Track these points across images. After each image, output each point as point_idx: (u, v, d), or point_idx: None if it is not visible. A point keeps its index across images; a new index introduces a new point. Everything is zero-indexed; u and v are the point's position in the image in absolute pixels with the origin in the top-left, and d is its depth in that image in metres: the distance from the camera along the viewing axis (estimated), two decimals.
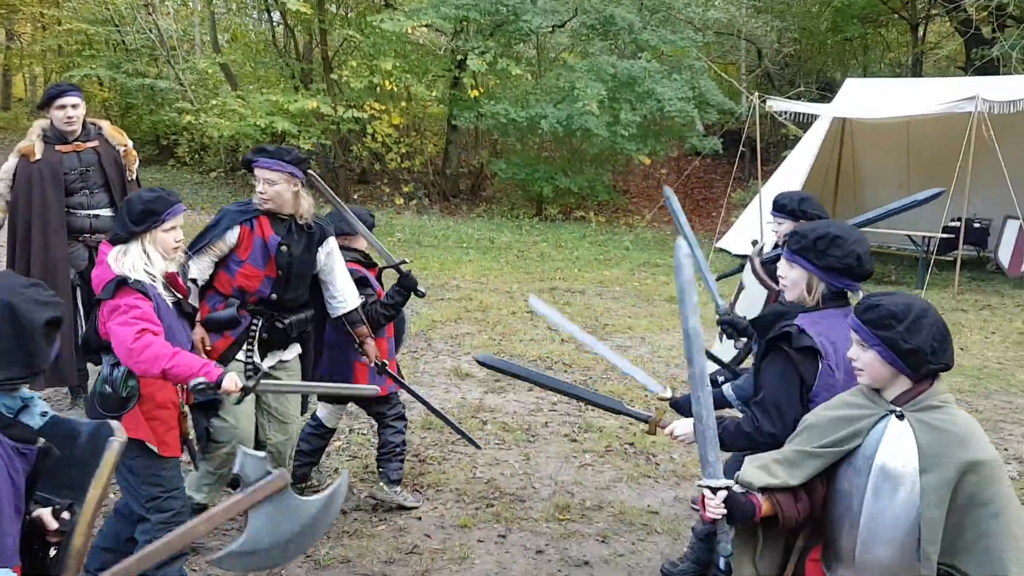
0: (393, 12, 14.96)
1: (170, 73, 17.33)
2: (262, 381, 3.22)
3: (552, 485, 4.71)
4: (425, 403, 4.40)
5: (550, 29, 16.96)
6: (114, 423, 2.19)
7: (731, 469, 2.58)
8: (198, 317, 3.50)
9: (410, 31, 14.96)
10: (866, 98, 12.71)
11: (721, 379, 3.49)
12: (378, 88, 15.25)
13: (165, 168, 18.34)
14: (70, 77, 18.05)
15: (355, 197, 17.15)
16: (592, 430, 5.48)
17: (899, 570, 2.20)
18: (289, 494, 2.15)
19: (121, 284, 2.95)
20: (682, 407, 3.00)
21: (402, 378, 4.51)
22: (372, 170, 18.20)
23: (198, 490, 3.79)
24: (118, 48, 19.34)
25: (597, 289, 10.27)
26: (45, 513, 2.01)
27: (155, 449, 3.07)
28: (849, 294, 2.64)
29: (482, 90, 15.94)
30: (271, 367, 3.76)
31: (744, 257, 4.81)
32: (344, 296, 3.91)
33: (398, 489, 4.32)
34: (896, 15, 18.84)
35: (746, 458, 2.39)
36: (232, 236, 3.61)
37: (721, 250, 12.69)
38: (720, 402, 3.14)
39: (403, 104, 16.97)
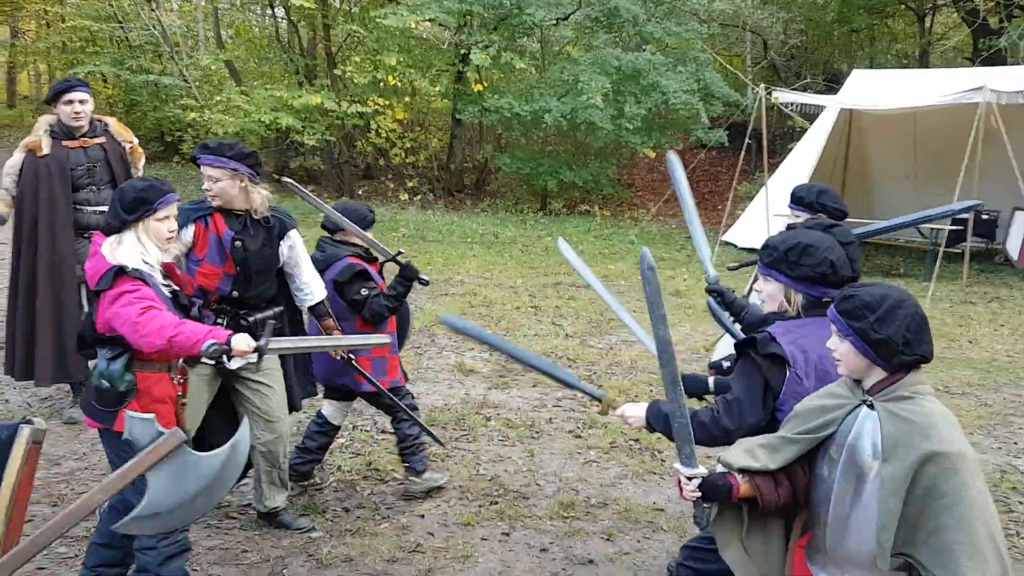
0: (396, 7, 14.90)
1: (174, 69, 17.32)
2: (271, 340, 3.09)
3: (556, 482, 4.67)
4: (392, 399, 4.30)
5: (554, 22, 16.88)
6: (36, 420, 2.16)
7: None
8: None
9: (413, 25, 14.90)
10: (873, 89, 12.62)
11: (727, 364, 3.48)
12: (382, 83, 15.20)
13: (170, 165, 18.33)
14: (74, 74, 18.05)
15: (360, 193, 17.12)
16: (597, 426, 5.43)
17: (865, 559, 2.20)
18: (186, 452, 2.10)
19: (120, 273, 2.92)
20: (687, 388, 3.05)
21: (406, 374, 4.49)
22: (376, 165, 18.17)
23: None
24: (122, 45, 19.33)
25: (602, 283, 10.20)
26: None
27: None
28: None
29: (486, 84, 15.89)
30: (239, 368, 3.59)
31: (755, 250, 4.75)
32: (310, 289, 3.89)
33: (426, 475, 4.38)
34: (903, 5, 18.70)
35: (737, 441, 2.43)
36: (187, 235, 3.56)
37: (727, 243, 12.62)
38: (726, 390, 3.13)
39: (407, 99, 16.92)
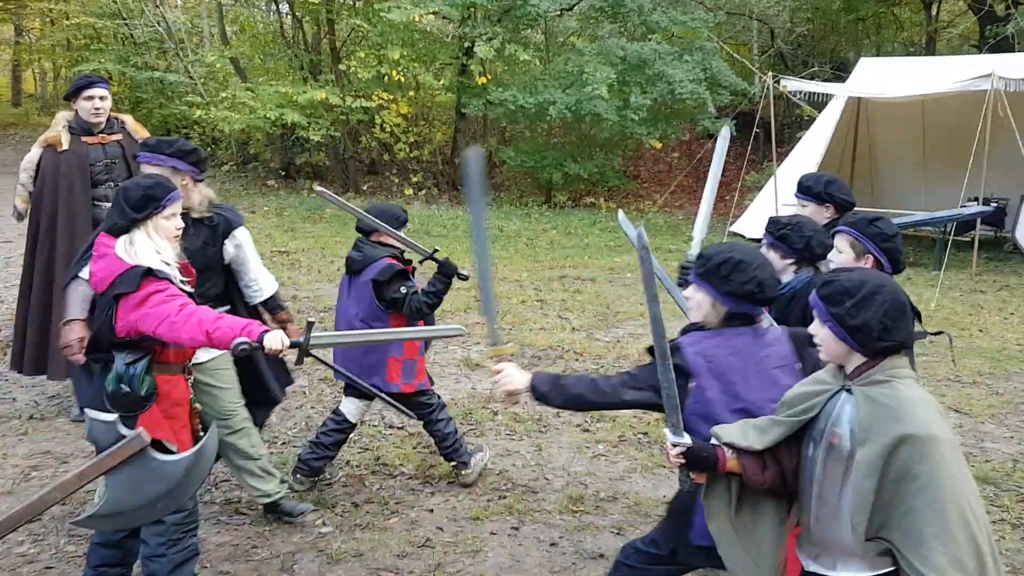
0: (400, 0, 14.86)
1: (179, 66, 17.32)
2: (314, 335, 3.01)
3: (565, 476, 4.66)
4: (365, 387, 4.28)
5: (558, 13, 16.80)
6: None
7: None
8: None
9: (417, 19, 14.85)
10: (881, 77, 12.54)
11: None
12: (386, 78, 15.17)
13: None
14: (79, 72, 18.07)
15: (364, 188, 17.12)
16: (605, 419, 5.42)
17: (847, 544, 2.19)
18: (148, 456, 2.06)
19: (147, 274, 2.86)
20: None
21: (431, 377, 4.46)
22: (381, 160, 18.16)
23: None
24: (127, 42, 19.35)
25: (608, 276, 10.19)
26: None
27: (174, 448, 2.98)
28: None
29: (490, 77, 15.84)
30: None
31: (758, 241, 4.71)
32: (259, 284, 3.89)
33: (473, 463, 4.46)
34: None
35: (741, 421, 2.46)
36: None
37: (735, 234, 12.57)
38: None
39: (411, 93, 16.89)
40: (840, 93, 12.47)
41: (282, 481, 4.04)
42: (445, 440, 4.39)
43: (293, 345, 2.91)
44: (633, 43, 15.36)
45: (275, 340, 2.80)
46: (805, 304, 2.80)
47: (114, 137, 4.99)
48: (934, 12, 18.86)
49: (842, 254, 3.13)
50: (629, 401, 2.65)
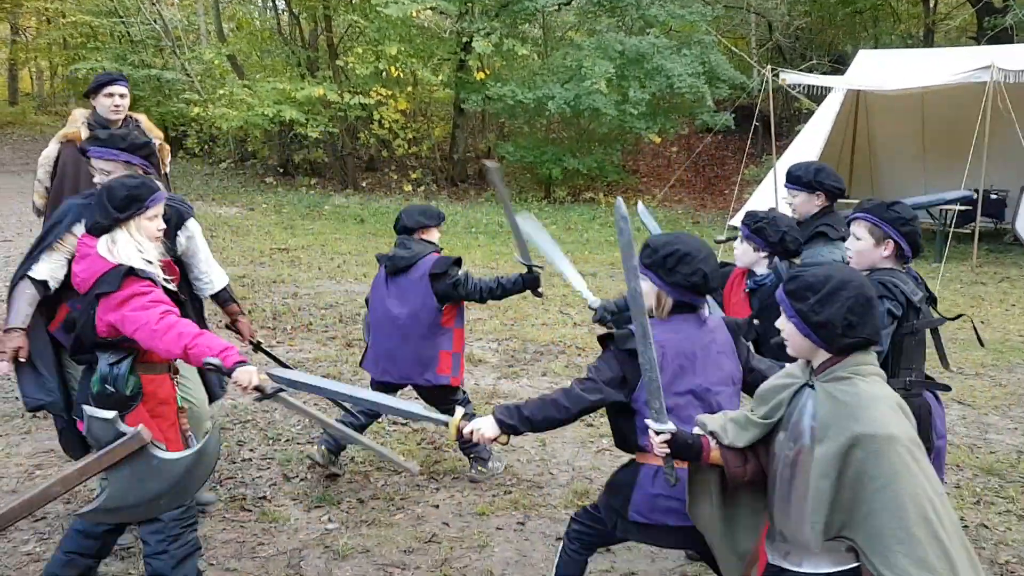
0: None
1: (176, 64, 17.29)
2: (281, 394, 3.00)
3: (570, 471, 4.65)
4: (309, 386, 4.32)
5: (556, 7, 16.79)
6: None
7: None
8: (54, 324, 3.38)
9: (414, 14, 14.83)
10: (880, 69, 12.53)
11: None
12: (384, 74, 15.17)
13: (175, 160, 18.29)
14: (76, 70, 18.05)
15: (364, 184, 17.10)
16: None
17: (806, 540, 2.18)
18: (150, 454, 2.06)
19: (129, 273, 2.86)
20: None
21: None
22: (380, 157, 18.14)
23: None
24: (123, 40, 19.31)
25: (609, 271, 10.19)
26: None
27: (162, 447, 3.01)
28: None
29: (488, 72, 15.81)
30: None
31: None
32: (210, 276, 3.88)
33: (491, 464, 4.48)
34: None
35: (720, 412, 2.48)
36: (80, 229, 3.42)
37: (736, 228, 12.55)
38: None
39: (409, 89, 16.87)
40: (839, 86, 12.45)
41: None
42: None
43: (258, 388, 2.88)
44: (631, 37, 15.35)
45: (244, 376, 2.80)
46: None
47: None
48: (932, 4, 18.85)
49: (860, 241, 3.08)
50: (592, 404, 2.65)
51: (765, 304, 3.36)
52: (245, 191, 16.07)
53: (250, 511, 4.09)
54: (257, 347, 4.04)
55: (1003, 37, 15.11)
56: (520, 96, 14.82)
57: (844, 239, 3.32)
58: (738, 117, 15.52)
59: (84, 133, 4.85)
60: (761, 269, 3.50)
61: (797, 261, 3.54)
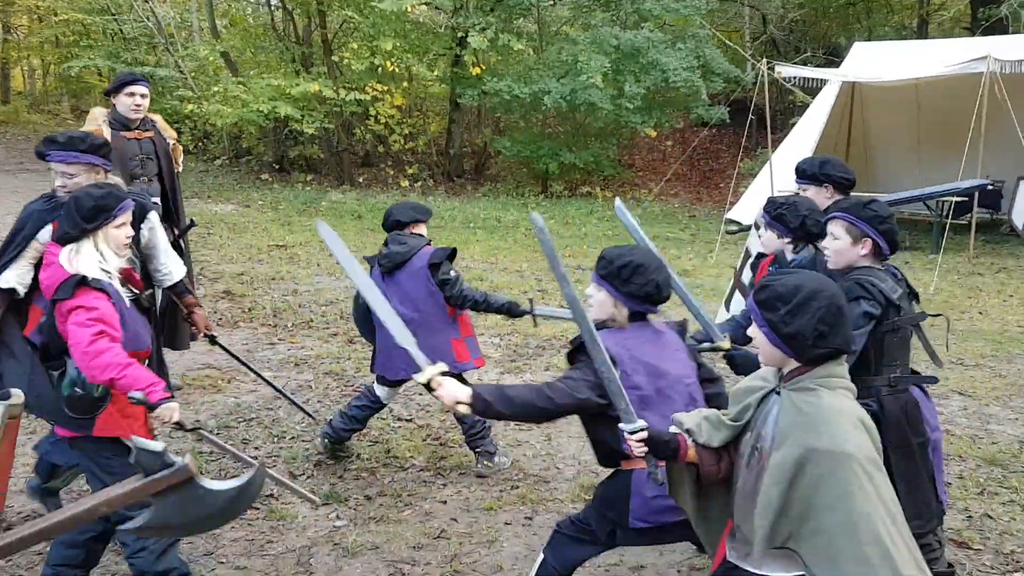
0: None
1: (169, 61, 17.22)
2: (200, 431, 3.17)
3: (576, 465, 4.66)
4: (260, 376, 4.43)
5: (551, 2, 16.77)
6: (14, 390, 2.17)
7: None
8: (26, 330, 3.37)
9: (409, 9, 14.80)
10: (875, 61, 12.55)
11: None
12: (379, 69, 15.11)
13: None
14: (69, 68, 17.98)
15: (360, 180, 17.07)
16: None
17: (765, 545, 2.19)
18: (196, 484, 2.10)
19: (81, 283, 2.87)
20: (736, 360, 3.28)
21: None
22: (376, 153, 18.10)
23: None
24: (116, 37, 19.21)
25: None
26: None
27: (131, 445, 3.01)
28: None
29: (484, 67, 15.79)
30: None
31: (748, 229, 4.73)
32: (168, 268, 3.89)
33: (497, 459, 4.51)
34: None
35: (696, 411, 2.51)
36: (45, 234, 3.45)
37: (732, 221, 12.57)
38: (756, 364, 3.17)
39: (405, 85, 16.83)
40: (834, 78, 12.47)
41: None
42: (473, 428, 4.44)
43: (178, 424, 2.93)
44: (626, 32, 15.34)
45: (167, 412, 2.85)
46: None
47: (147, 134, 5.12)
48: None
49: (838, 240, 3.09)
50: (578, 402, 2.61)
51: None
52: (241, 188, 16.02)
53: (258, 509, 4.10)
54: (213, 341, 4.05)
55: (998, 27, 15.12)
56: (516, 91, 14.81)
57: None
58: (732, 111, 15.53)
59: (106, 131, 4.95)
60: (790, 254, 3.51)
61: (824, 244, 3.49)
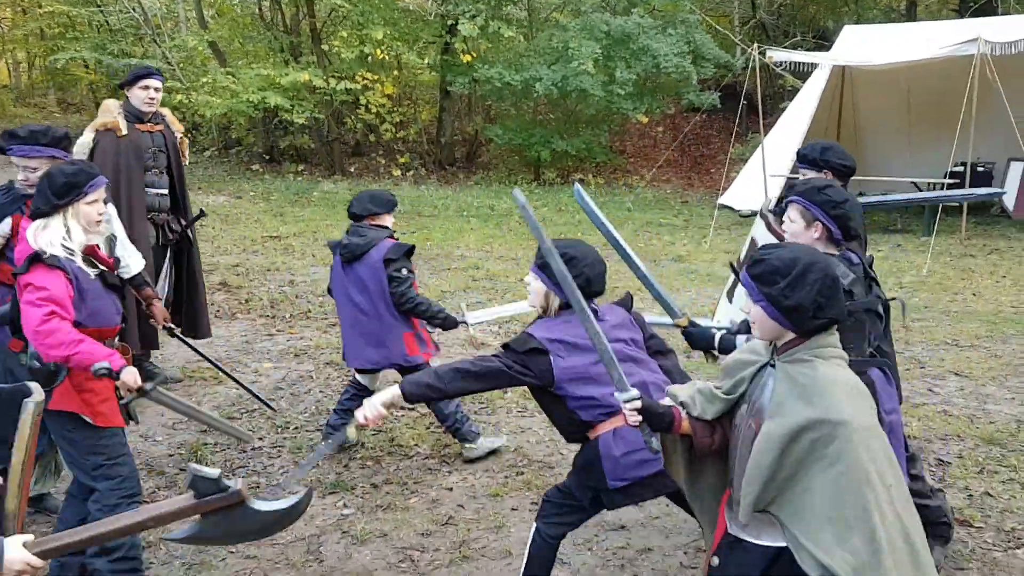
0: None
1: (157, 52, 17.08)
2: (158, 389, 3.20)
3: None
4: (221, 369, 4.47)
5: None
6: (32, 384, 2.20)
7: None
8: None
9: None
10: (865, 45, 12.56)
11: (732, 328, 3.51)
12: (369, 58, 15.04)
13: None
14: (55, 61, 17.82)
15: (351, 170, 17.02)
16: None
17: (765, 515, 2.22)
18: (245, 507, 2.16)
19: (35, 259, 2.90)
20: (692, 336, 3.28)
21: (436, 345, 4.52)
22: (366, 142, 18.03)
23: None
24: (102, 29, 19.05)
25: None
26: None
27: (90, 420, 3.03)
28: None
29: (474, 55, 15.73)
30: None
31: (753, 214, 4.74)
32: (127, 260, 3.91)
33: (480, 441, 4.51)
34: None
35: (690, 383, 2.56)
36: (5, 227, 3.52)
37: (724, 207, 12.60)
38: (731, 350, 3.23)
39: (395, 73, 16.76)
40: (825, 62, 12.48)
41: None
42: (446, 419, 4.47)
43: (139, 390, 3.05)
44: (616, 17, 15.31)
45: (131, 377, 2.98)
46: None
47: (159, 127, 5.20)
48: None
49: (794, 224, 3.10)
50: (509, 376, 2.81)
51: None
52: (231, 179, 15.95)
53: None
54: (171, 333, 4.07)
55: (987, 9, 15.17)
56: (507, 78, 14.77)
57: None
58: (722, 96, 15.53)
59: (122, 123, 5.02)
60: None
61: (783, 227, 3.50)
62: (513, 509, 4.04)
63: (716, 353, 3.30)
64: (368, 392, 4.52)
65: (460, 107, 18.33)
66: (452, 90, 16.27)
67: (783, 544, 2.17)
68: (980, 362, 6.09)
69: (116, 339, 3.18)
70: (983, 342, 6.56)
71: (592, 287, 2.89)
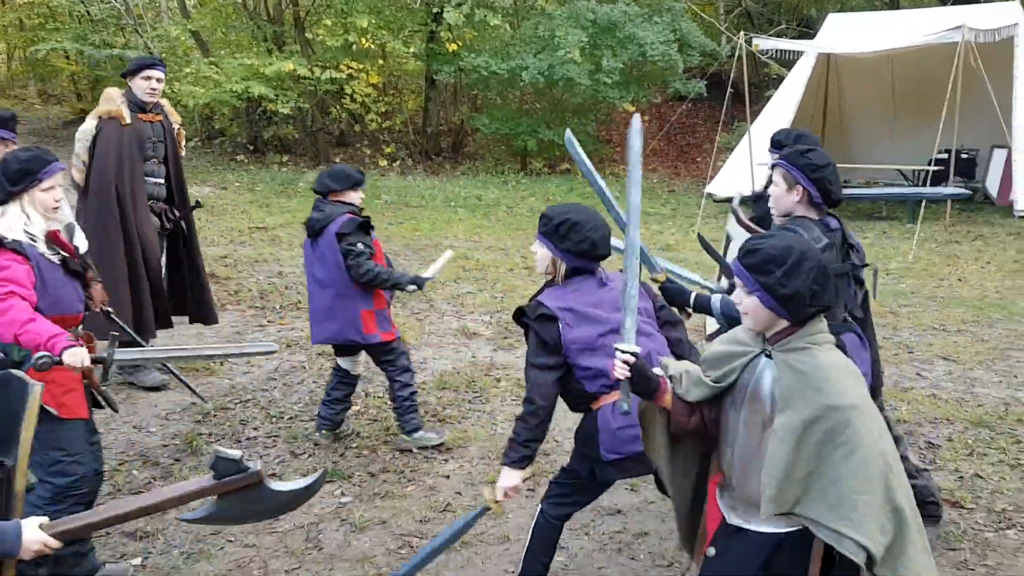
0: None
1: (138, 42, 16.89)
2: (118, 350, 3.15)
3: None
4: (163, 362, 4.50)
5: None
6: (15, 371, 2.22)
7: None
8: None
9: None
10: (850, 32, 12.63)
11: (713, 288, 3.57)
12: (354, 46, 14.94)
13: None
14: (36, 52, 17.58)
15: (336, 160, 16.92)
16: None
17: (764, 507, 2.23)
18: (263, 486, 2.18)
19: None
20: (669, 292, 3.34)
21: (400, 335, 4.58)
22: (351, 132, 17.94)
23: None
24: (83, 19, 18.79)
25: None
26: None
27: (54, 412, 3.00)
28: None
29: (460, 43, 15.67)
30: None
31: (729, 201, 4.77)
32: (75, 242, 3.90)
33: (419, 434, 4.53)
34: None
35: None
36: None
37: (711, 195, 12.65)
38: (705, 308, 3.33)
39: (380, 62, 16.66)
40: (811, 50, 12.54)
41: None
42: (395, 401, 4.52)
43: (96, 361, 3.00)
44: (603, 6, 15.28)
45: (75, 358, 2.88)
46: None
47: (158, 117, 5.21)
48: None
49: (777, 187, 3.16)
50: (556, 381, 2.85)
51: None
52: (215, 170, 15.83)
53: None
54: (108, 316, 4.06)
55: None
56: (493, 67, 14.73)
57: None
58: (708, 84, 15.55)
59: (126, 111, 5.06)
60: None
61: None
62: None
63: (690, 311, 3.40)
64: (351, 377, 4.58)
65: (446, 96, 18.27)
66: (438, 79, 16.21)
67: (785, 531, 2.20)
68: (967, 346, 6.16)
69: (80, 327, 3.16)
70: (969, 327, 6.64)
71: (597, 250, 2.89)
